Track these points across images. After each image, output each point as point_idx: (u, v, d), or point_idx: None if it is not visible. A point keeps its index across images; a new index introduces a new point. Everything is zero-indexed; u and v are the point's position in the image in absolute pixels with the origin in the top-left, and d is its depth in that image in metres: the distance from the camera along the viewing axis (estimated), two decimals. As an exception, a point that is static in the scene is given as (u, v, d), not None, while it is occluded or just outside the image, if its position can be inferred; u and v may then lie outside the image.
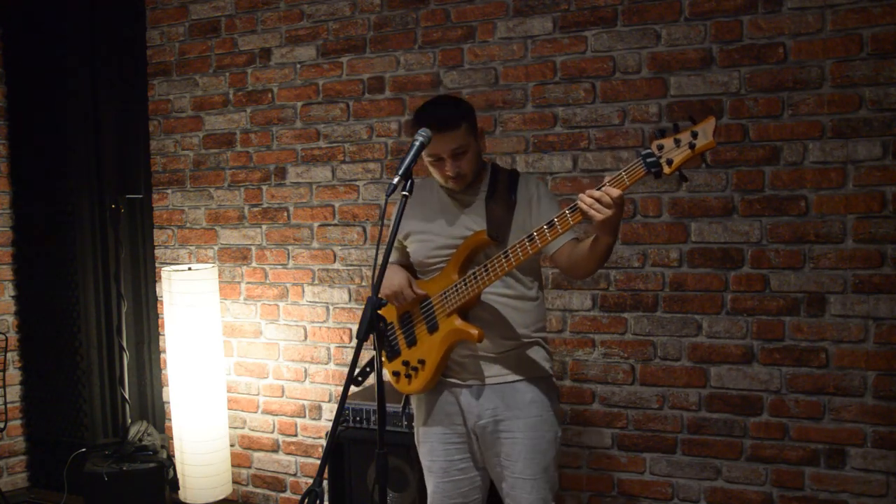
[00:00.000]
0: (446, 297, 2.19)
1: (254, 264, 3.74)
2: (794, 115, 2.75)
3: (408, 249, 2.37)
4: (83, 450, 3.70)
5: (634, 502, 3.05)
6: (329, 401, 3.59)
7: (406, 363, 2.28)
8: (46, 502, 3.91)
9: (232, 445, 3.78)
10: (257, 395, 3.75)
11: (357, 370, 2.00)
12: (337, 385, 3.56)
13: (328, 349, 3.58)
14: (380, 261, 1.94)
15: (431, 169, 2.23)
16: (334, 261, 3.55)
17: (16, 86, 3.96)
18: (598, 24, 2.99)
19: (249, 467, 3.80)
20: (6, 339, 3.95)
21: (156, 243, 3.97)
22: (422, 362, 2.25)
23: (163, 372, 3.94)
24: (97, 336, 3.89)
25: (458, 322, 2.17)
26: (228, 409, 3.74)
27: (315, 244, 3.59)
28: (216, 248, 3.83)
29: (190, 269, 3.63)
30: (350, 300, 3.53)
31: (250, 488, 3.81)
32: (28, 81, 3.92)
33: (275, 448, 3.73)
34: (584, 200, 1.89)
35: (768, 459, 2.85)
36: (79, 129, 3.85)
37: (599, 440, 3.08)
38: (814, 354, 2.77)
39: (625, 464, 3.05)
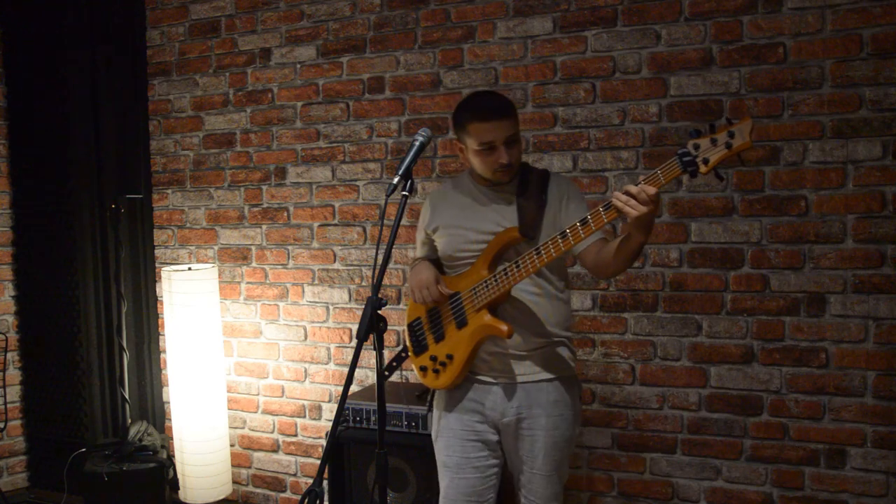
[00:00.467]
0: (476, 293, 2.20)
1: (254, 264, 3.74)
2: (794, 115, 2.75)
3: (436, 244, 2.38)
4: (83, 450, 3.69)
5: (634, 502, 3.05)
6: (329, 401, 3.59)
7: (434, 358, 2.30)
8: (46, 502, 3.91)
9: (232, 445, 3.79)
10: (257, 395, 3.75)
11: (384, 365, 2.01)
12: (337, 385, 3.56)
13: (328, 349, 3.58)
14: (380, 261, 1.94)
15: (477, 159, 2.22)
16: (334, 261, 3.55)
17: (16, 86, 3.96)
18: (598, 24, 3.00)
19: (249, 467, 3.80)
20: (6, 339, 3.95)
21: (156, 243, 3.97)
22: (450, 357, 2.26)
23: (163, 372, 3.94)
24: (97, 336, 3.89)
25: (487, 318, 2.18)
26: (228, 409, 3.74)
27: (315, 244, 3.59)
28: (216, 248, 3.83)
29: (190, 269, 3.63)
30: (350, 300, 3.53)
31: (250, 488, 3.81)
32: (28, 81, 3.93)
33: (275, 448, 3.73)
34: (620, 197, 1.91)
35: (768, 459, 2.85)
36: (79, 129, 3.85)
37: (599, 440, 3.08)
38: (814, 354, 2.77)
39: (625, 464, 3.05)
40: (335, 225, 3.55)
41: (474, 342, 2.22)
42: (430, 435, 2.53)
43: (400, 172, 1.98)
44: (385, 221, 2.16)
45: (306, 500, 1.81)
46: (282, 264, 3.67)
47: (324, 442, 3.57)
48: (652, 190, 1.88)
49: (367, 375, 3.48)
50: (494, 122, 2.15)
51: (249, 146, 3.71)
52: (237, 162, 3.74)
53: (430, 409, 2.46)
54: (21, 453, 4.02)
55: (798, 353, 2.79)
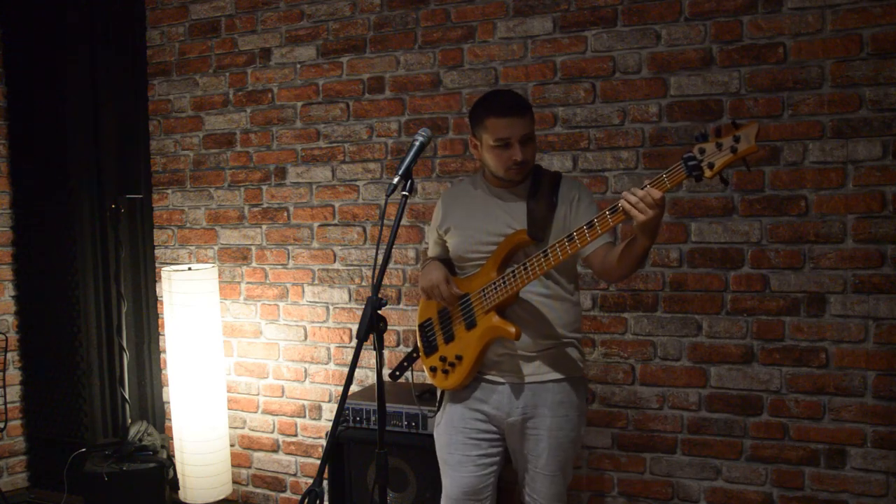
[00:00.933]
0: (485, 294, 2.22)
1: (254, 264, 3.74)
2: (794, 115, 2.75)
3: (448, 244, 2.40)
4: (83, 450, 3.69)
5: (634, 502, 3.05)
6: (329, 401, 3.59)
7: (443, 359, 2.33)
8: (46, 502, 3.91)
9: (232, 445, 3.79)
10: (257, 395, 3.75)
11: (385, 364, 2.02)
12: (337, 385, 3.56)
13: (328, 349, 3.58)
14: (380, 261, 1.94)
15: (491, 155, 2.23)
16: (334, 261, 3.55)
17: (16, 86, 3.96)
18: (598, 24, 3.00)
19: (249, 467, 3.80)
20: (6, 339, 3.95)
21: (156, 243, 3.97)
22: (459, 358, 2.29)
23: (163, 372, 3.94)
24: (97, 336, 3.89)
25: (496, 319, 2.21)
26: (228, 409, 3.74)
27: (315, 244, 3.59)
28: (216, 248, 3.83)
29: (190, 269, 3.62)
30: (350, 300, 3.53)
31: (250, 488, 3.81)
32: (28, 81, 3.92)
33: (275, 448, 3.73)
34: (628, 200, 1.92)
35: (768, 459, 2.85)
36: (79, 128, 3.84)
37: (599, 440, 3.08)
38: (814, 354, 2.77)
39: (625, 464, 3.05)
40: (335, 225, 3.54)
41: (483, 343, 2.24)
42: (430, 435, 2.54)
43: (400, 172, 1.98)
44: (385, 221, 2.17)
45: (306, 500, 1.81)
46: (282, 264, 3.67)
47: (324, 442, 3.57)
48: (657, 194, 1.89)
49: (367, 375, 3.48)
50: (511, 118, 2.17)
51: (249, 146, 3.71)
52: (237, 162, 3.74)
53: (439, 409, 2.47)
54: (21, 453, 4.02)
55: (798, 353, 2.79)
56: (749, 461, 2.87)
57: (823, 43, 2.69)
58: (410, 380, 2.66)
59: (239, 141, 3.73)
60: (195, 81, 3.80)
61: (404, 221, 3.37)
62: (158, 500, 3.51)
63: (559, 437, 2.27)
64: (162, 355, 3.94)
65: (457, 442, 2.33)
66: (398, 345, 3.42)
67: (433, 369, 2.37)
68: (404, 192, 1.98)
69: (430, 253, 2.53)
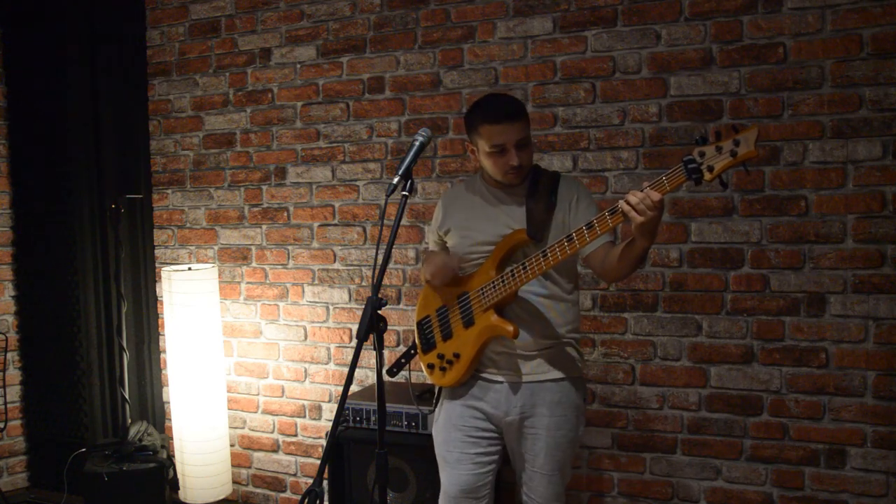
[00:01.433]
0: (484, 293, 2.23)
1: (254, 264, 3.74)
2: (794, 115, 2.75)
3: (448, 244, 2.42)
4: (83, 450, 3.69)
5: (634, 502, 3.05)
6: (329, 401, 3.59)
7: (441, 356, 2.34)
8: (46, 502, 3.90)
9: (232, 445, 3.79)
10: (257, 395, 3.75)
11: (385, 364, 2.03)
12: (337, 385, 3.56)
13: (328, 349, 3.58)
14: (380, 261, 1.95)
15: (488, 161, 2.25)
16: (334, 261, 3.55)
17: (16, 86, 3.96)
18: (598, 24, 3.00)
19: (249, 467, 3.80)
20: (6, 339, 3.95)
21: (156, 243, 3.97)
22: (457, 356, 2.30)
23: (163, 372, 3.94)
24: (97, 336, 3.89)
25: (494, 318, 2.22)
26: (228, 409, 3.74)
27: (315, 244, 3.59)
28: (216, 248, 3.83)
29: (190, 269, 3.62)
30: (350, 300, 3.53)
31: (250, 488, 3.81)
32: (28, 81, 3.92)
33: (275, 448, 3.73)
34: (628, 201, 1.93)
35: (768, 459, 2.85)
36: (79, 128, 3.85)
37: (599, 440, 3.08)
38: (814, 354, 2.77)
39: (625, 464, 3.05)
40: (335, 225, 3.54)
41: (481, 341, 2.25)
42: (430, 435, 2.53)
43: (400, 172, 1.98)
44: (385, 221, 2.17)
45: (306, 500, 1.81)
46: (282, 264, 3.67)
47: (324, 442, 3.57)
48: (656, 196, 1.90)
49: (367, 375, 3.48)
50: (506, 124, 2.18)
51: (249, 146, 3.71)
52: (237, 162, 3.74)
53: (436, 406, 2.47)
54: (21, 453, 4.02)
55: (798, 353, 2.79)
56: (749, 461, 2.87)
57: (823, 43, 2.69)
58: (408, 378, 2.66)
59: (239, 141, 3.73)
60: (195, 81, 3.80)
61: (404, 221, 3.37)
62: (158, 500, 3.51)
63: (557, 436, 2.27)
64: (162, 355, 3.94)
65: (455, 440, 2.34)
66: (398, 345, 3.42)
67: (430, 366, 2.38)
68: (404, 192, 1.98)
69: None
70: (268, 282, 3.70)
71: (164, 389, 3.92)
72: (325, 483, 3.10)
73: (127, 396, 3.74)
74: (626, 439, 3.04)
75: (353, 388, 3.32)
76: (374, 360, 1.90)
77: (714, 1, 2.82)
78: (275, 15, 3.60)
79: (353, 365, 1.90)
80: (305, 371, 3.63)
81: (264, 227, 3.70)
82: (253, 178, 3.71)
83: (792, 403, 2.81)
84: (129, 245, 3.89)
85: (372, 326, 1.86)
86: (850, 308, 2.72)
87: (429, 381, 2.46)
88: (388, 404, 2.65)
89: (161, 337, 3.94)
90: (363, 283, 3.50)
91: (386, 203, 2.03)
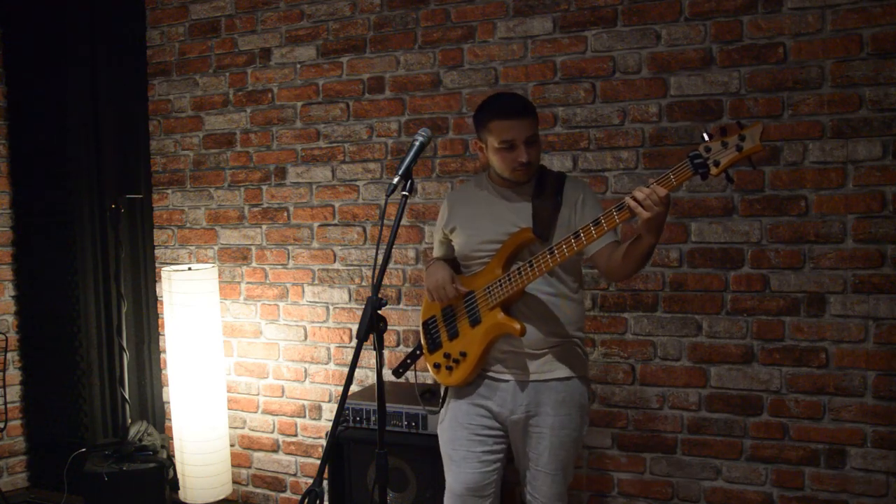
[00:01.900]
0: (490, 292, 2.24)
1: (254, 264, 3.74)
2: (794, 115, 2.75)
3: (453, 243, 2.42)
4: (83, 450, 3.69)
5: (634, 502, 3.05)
6: (329, 401, 3.59)
7: (447, 355, 2.34)
8: (46, 502, 3.90)
9: (232, 445, 3.79)
10: (257, 395, 3.75)
11: (385, 364, 2.04)
12: (337, 385, 3.56)
13: (328, 349, 3.58)
14: (380, 261, 1.95)
15: (497, 157, 2.25)
16: (334, 261, 3.55)
17: (16, 86, 3.96)
18: (598, 24, 3.00)
19: (249, 467, 3.80)
20: (6, 339, 3.95)
21: (156, 243, 3.97)
22: (463, 354, 2.30)
23: (163, 372, 3.94)
24: (97, 336, 3.89)
25: (500, 316, 2.22)
26: (228, 409, 3.74)
27: (315, 244, 3.59)
28: (216, 248, 3.83)
29: (190, 269, 3.62)
30: (350, 300, 3.53)
31: (250, 488, 3.81)
32: (28, 81, 3.92)
33: (275, 448, 3.73)
34: (634, 197, 1.94)
35: (768, 459, 2.85)
36: (79, 128, 3.85)
37: (599, 440, 3.08)
38: (814, 354, 2.77)
39: (625, 464, 3.05)
40: (335, 225, 3.54)
41: (487, 340, 2.26)
42: (430, 435, 2.54)
43: (400, 172, 1.98)
44: (385, 221, 2.17)
45: (306, 500, 1.81)
46: (282, 264, 3.67)
47: (324, 442, 3.57)
48: (662, 191, 1.91)
49: (367, 375, 3.48)
50: (515, 120, 2.19)
51: (249, 146, 3.71)
52: (237, 162, 3.74)
53: (443, 406, 2.47)
54: (21, 453, 4.02)
55: (798, 353, 2.79)
56: (749, 461, 2.87)
57: (823, 43, 2.69)
58: (414, 379, 2.67)
59: (239, 141, 3.73)
60: (195, 81, 3.80)
61: (404, 221, 3.37)
62: (158, 500, 3.51)
63: (561, 435, 2.28)
64: (162, 355, 3.94)
65: (461, 438, 2.34)
66: (398, 345, 3.42)
67: (437, 366, 2.38)
68: (404, 192, 1.98)
69: (435, 253, 2.55)
70: (268, 282, 3.70)
71: (164, 389, 3.92)
72: (325, 483, 3.10)
73: (127, 396, 3.74)
74: (626, 439, 3.04)
75: (353, 388, 3.32)
76: (374, 360, 1.90)
77: (714, 1, 2.82)
78: (275, 15, 3.60)
79: (353, 365, 1.90)
80: (305, 371, 3.63)
81: (264, 227, 3.70)
82: (253, 178, 3.71)
83: (792, 403, 2.81)
84: (129, 245, 3.89)
85: (372, 326, 1.86)
86: (850, 308, 2.72)
87: (434, 380, 2.46)
88: (388, 404, 2.66)
89: (161, 337, 3.94)
90: (363, 283, 3.50)
91: (386, 203, 2.03)
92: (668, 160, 2.89)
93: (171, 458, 3.67)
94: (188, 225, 3.88)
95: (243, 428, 3.79)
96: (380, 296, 1.88)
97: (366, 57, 3.42)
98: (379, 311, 1.86)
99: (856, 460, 2.74)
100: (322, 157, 3.55)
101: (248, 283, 3.75)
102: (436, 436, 2.48)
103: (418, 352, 2.49)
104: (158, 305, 3.92)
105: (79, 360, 3.87)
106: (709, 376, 2.92)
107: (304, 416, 3.64)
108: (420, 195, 3.34)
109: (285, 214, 3.65)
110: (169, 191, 3.91)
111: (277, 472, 3.74)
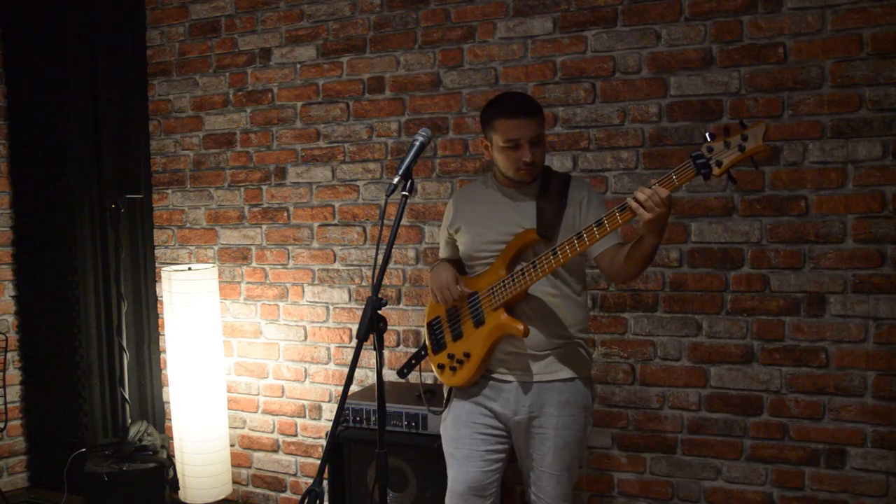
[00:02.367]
0: (494, 292, 2.24)
1: (254, 264, 3.74)
2: (794, 115, 2.75)
3: (457, 243, 2.43)
4: (83, 450, 3.69)
5: (634, 502, 3.05)
6: (329, 401, 3.59)
7: (451, 356, 2.35)
8: (46, 502, 3.90)
9: (232, 445, 3.79)
10: (257, 395, 3.75)
11: (385, 364, 2.04)
12: (337, 385, 3.56)
13: (328, 349, 3.58)
14: (380, 261, 1.95)
15: (501, 156, 2.26)
16: (334, 261, 3.55)
17: (16, 86, 3.96)
18: (598, 24, 3.00)
19: (249, 467, 3.80)
20: (6, 339, 3.95)
21: (156, 243, 3.97)
22: (467, 355, 2.31)
23: (163, 372, 3.94)
24: (97, 336, 3.89)
25: (504, 317, 2.23)
26: (228, 409, 3.74)
27: (315, 244, 3.59)
28: (216, 248, 3.83)
29: (190, 269, 3.62)
30: (350, 300, 3.53)
31: (250, 488, 3.81)
32: (28, 81, 3.92)
33: (275, 448, 3.73)
34: (636, 198, 1.94)
35: (768, 459, 2.85)
36: (79, 128, 3.84)
37: (599, 440, 3.08)
38: (814, 354, 2.77)
39: (625, 464, 3.05)
40: (335, 225, 3.54)
41: (491, 341, 2.26)
42: (430, 435, 2.54)
43: (400, 172, 1.98)
44: (385, 221, 2.17)
45: (306, 500, 1.81)
46: (282, 264, 3.67)
47: (324, 442, 3.57)
48: (664, 192, 1.92)
49: (367, 375, 3.48)
50: (521, 119, 2.20)
51: (249, 146, 3.71)
52: (237, 162, 3.74)
53: (446, 407, 2.48)
54: (21, 453, 4.02)
55: (798, 353, 2.79)
56: (749, 461, 2.87)
57: (823, 43, 2.69)
58: (419, 379, 2.67)
59: (239, 141, 3.73)
60: (195, 81, 3.80)
61: (404, 221, 3.37)
62: (158, 500, 3.51)
63: (565, 436, 2.28)
64: (162, 355, 3.94)
65: (464, 436, 2.34)
66: (398, 345, 3.42)
67: (441, 366, 2.38)
68: (404, 192, 1.98)
69: (441, 254, 2.56)
70: (268, 282, 3.70)
71: (164, 389, 3.93)
72: (325, 483, 3.10)
73: (127, 396, 3.74)
74: (626, 439, 3.04)
75: (353, 388, 3.32)
76: (374, 360, 1.90)
77: (714, 1, 2.82)
78: (275, 15, 3.60)
79: (353, 365, 1.90)
80: (305, 371, 3.63)
81: (264, 227, 3.70)
82: (253, 178, 3.71)
83: (792, 403, 2.81)
84: (129, 245, 3.89)
85: (372, 326, 1.86)
86: (850, 308, 2.72)
87: (434, 380, 2.46)
88: (388, 404, 2.66)
89: (161, 337, 3.94)
90: (363, 283, 3.50)
91: (386, 203, 2.03)
92: (668, 160, 2.89)
93: (171, 458, 3.67)
94: (188, 225, 3.88)
95: (243, 428, 3.79)
96: (380, 296, 1.88)
97: (366, 57, 3.42)
98: (379, 311, 1.86)
99: (856, 460, 2.74)
100: (322, 157, 3.55)
101: (248, 283, 3.75)
102: (436, 436, 2.48)
103: (423, 353, 2.50)
104: (158, 305, 3.92)
105: (79, 360, 3.87)
106: (709, 376, 2.92)
107: (304, 416, 3.64)
108: (420, 195, 3.34)
109: (285, 214, 3.65)
110: (169, 191, 3.91)
111: (277, 472, 3.74)
